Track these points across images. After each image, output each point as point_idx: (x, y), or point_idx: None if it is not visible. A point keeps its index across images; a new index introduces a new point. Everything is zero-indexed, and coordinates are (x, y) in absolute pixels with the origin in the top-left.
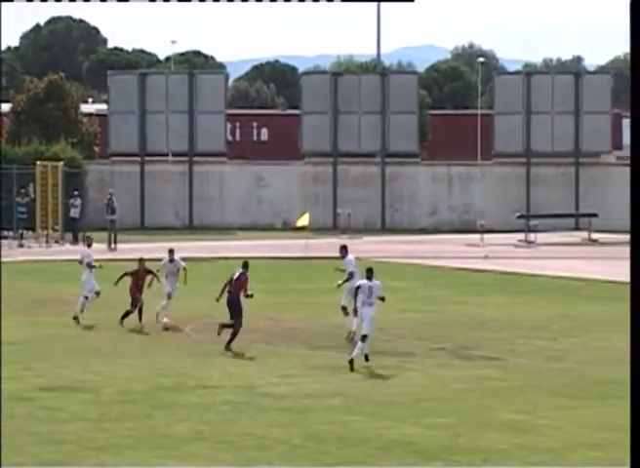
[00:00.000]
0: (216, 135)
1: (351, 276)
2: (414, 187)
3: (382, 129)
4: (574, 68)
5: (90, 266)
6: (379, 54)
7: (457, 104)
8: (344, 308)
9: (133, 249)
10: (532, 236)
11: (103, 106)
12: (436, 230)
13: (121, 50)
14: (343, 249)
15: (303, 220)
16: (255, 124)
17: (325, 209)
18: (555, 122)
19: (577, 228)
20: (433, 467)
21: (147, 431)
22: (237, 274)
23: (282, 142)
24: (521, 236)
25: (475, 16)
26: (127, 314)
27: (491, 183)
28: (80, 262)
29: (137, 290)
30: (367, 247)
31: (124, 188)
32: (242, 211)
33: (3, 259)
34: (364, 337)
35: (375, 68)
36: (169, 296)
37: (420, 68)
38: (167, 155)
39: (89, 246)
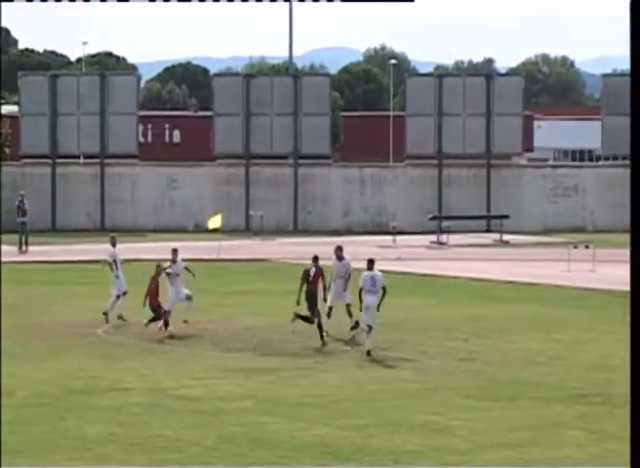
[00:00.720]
0: (127, 136)
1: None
2: (326, 189)
3: (295, 130)
4: (485, 70)
5: (114, 264)
6: (291, 55)
7: (369, 106)
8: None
9: (44, 251)
10: (444, 237)
11: (14, 108)
12: (349, 232)
13: (32, 51)
14: (339, 250)
15: (216, 222)
16: (167, 126)
17: (237, 210)
18: (467, 124)
19: (488, 230)
20: None
21: (60, 434)
22: (314, 269)
23: (194, 144)
24: (433, 238)
25: (387, 18)
26: (154, 320)
27: (403, 185)
28: (106, 262)
29: (156, 295)
30: (279, 248)
31: (35, 190)
32: (154, 212)
33: None
34: (369, 328)
35: (287, 70)
36: (188, 298)
37: (333, 70)
38: (78, 157)
39: (113, 245)
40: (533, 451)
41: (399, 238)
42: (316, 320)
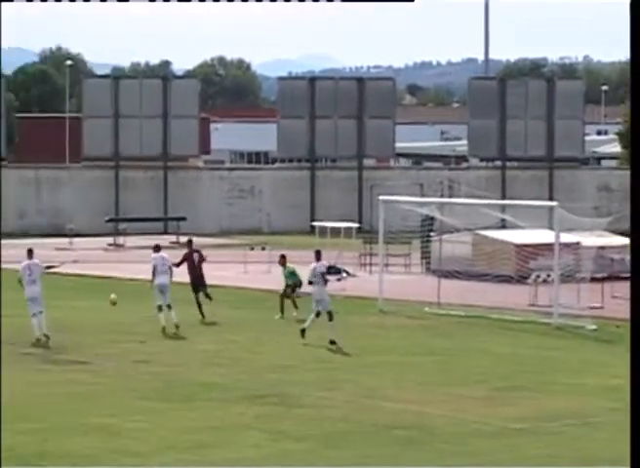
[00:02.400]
0: None
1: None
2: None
3: None
4: (162, 72)
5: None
6: None
7: (45, 108)
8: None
9: None
10: (121, 239)
11: None
12: (24, 234)
13: None
14: (156, 247)
15: None
16: None
17: None
18: (143, 126)
19: (166, 232)
20: None
21: None
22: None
23: None
24: (110, 240)
25: (62, 18)
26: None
27: (80, 187)
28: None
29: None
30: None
31: None
32: None
33: None
34: (330, 314)
35: None
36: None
37: (8, 71)
38: None
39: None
40: (212, 453)
41: (76, 240)
42: None
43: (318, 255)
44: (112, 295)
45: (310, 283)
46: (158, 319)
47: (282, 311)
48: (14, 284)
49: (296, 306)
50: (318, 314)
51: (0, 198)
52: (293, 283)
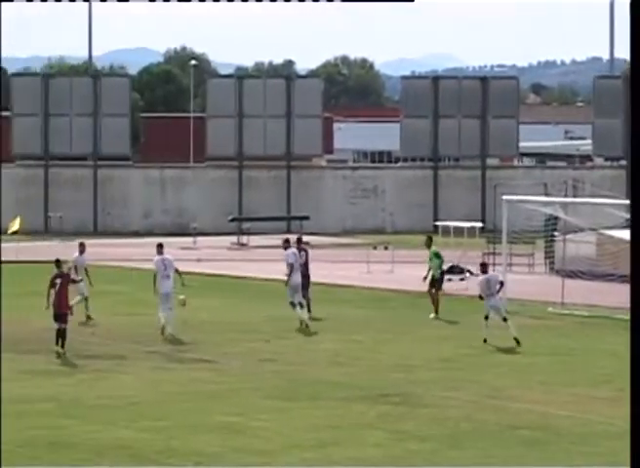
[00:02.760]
0: None
1: (291, 268)
2: (126, 190)
3: (94, 131)
4: (285, 72)
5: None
6: (90, 56)
7: (169, 107)
8: (292, 303)
9: None
10: (244, 239)
11: None
12: (149, 233)
13: None
14: (286, 241)
15: (15, 225)
16: None
17: (36, 212)
18: (268, 125)
19: (288, 231)
20: None
21: None
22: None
23: None
24: (234, 239)
25: (187, 18)
26: None
27: (204, 186)
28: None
29: None
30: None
31: None
32: None
33: None
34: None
35: (86, 70)
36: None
37: (133, 71)
38: None
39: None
40: (334, 452)
41: (200, 239)
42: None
43: (485, 268)
44: (181, 297)
45: (481, 297)
46: (297, 314)
47: (436, 310)
48: (138, 280)
49: (436, 310)
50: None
51: (0, 196)
52: (437, 268)
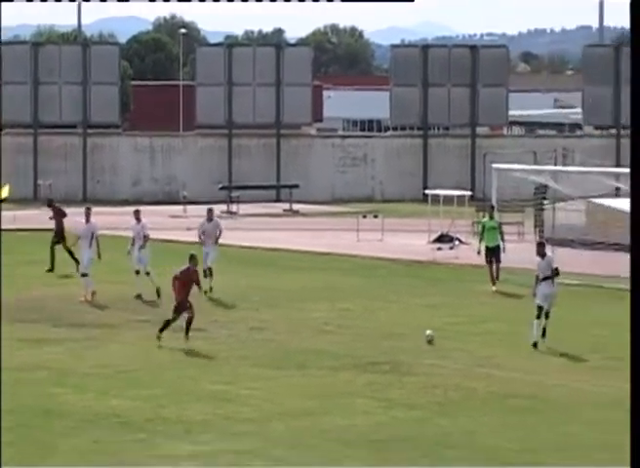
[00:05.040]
0: None
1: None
2: (115, 158)
3: (84, 100)
4: (275, 40)
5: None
6: (79, 24)
7: (159, 76)
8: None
9: None
10: (234, 207)
11: None
12: (138, 201)
13: None
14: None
15: (4, 192)
16: None
17: (25, 180)
18: (257, 94)
19: (278, 199)
20: (137, 438)
21: None
22: None
23: None
24: (223, 207)
25: None
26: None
27: (193, 155)
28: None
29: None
30: (69, 218)
31: None
32: None
33: None
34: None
35: (76, 39)
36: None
37: (122, 39)
38: None
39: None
40: (322, 420)
41: (189, 208)
42: None
43: (542, 249)
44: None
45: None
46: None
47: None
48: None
49: (494, 280)
50: (540, 314)
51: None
52: (491, 242)
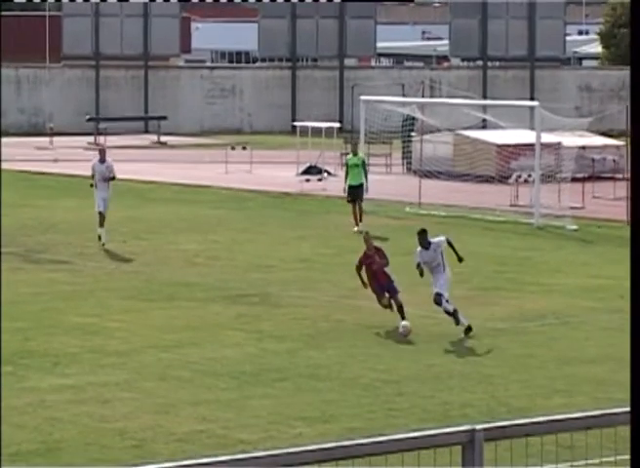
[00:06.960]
0: None
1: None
2: None
3: None
4: None
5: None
6: None
7: (24, 6)
8: None
9: None
10: (101, 139)
11: None
12: (4, 133)
13: None
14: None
15: None
16: None
17: None
18: (125, 25)
19: (146, 131)
20: (4, 371)
21: None
22: None
23: None
24: (91, 139)
25: None
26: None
27: (60, 86)
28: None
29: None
30: None
31: None
32: None
33: None
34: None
35: None
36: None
37: None
38: None
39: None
40: (191, 352)
41: (56, 139)
42: None
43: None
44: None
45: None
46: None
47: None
48: None
49: (357, 221)
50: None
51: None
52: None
